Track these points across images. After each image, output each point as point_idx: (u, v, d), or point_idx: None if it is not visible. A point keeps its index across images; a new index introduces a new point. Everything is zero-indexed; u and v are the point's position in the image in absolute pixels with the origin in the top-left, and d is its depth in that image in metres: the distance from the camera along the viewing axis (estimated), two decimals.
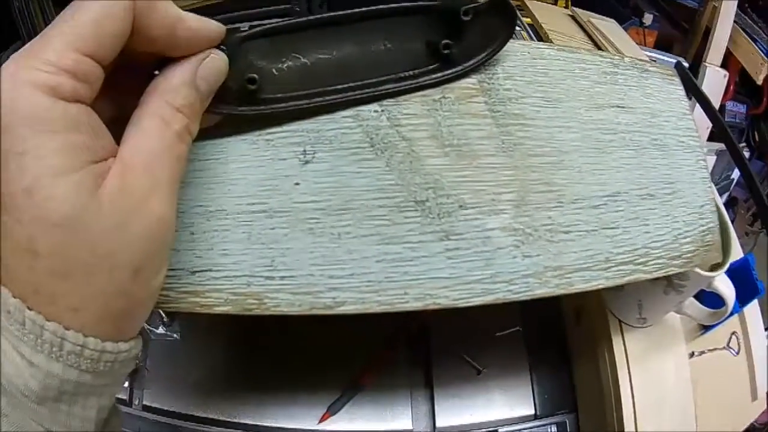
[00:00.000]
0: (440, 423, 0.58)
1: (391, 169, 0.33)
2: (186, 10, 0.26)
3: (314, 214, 0.32)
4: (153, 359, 0.61)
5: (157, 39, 0.25)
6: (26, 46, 0.22)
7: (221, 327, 0.64)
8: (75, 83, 0.22)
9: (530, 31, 0.73)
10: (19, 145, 0.21)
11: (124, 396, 0.59)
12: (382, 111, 0.34)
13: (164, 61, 0.26)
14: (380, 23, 0.33)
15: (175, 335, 0.62)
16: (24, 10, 0.74)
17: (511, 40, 0.35)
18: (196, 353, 0.62)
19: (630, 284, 0.48)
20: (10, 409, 0.22)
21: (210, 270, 0.31)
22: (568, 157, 0.36)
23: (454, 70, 0.34)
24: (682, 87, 0.42)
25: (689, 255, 0.37)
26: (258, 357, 0.62)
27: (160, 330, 0.62)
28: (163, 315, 0.61)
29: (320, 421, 0.58)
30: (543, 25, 0.73)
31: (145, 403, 0.59)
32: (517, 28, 0.73)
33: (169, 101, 0.25)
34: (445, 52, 0.33)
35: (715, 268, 0.42)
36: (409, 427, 0.58)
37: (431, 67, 0.34)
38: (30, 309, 0.22)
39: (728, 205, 1.09)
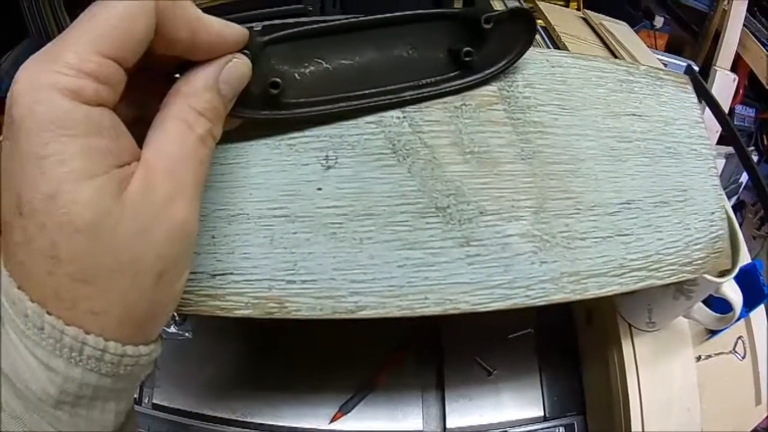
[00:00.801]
0: (450, 424, 0.58)
1: (413, 175, 0.33)
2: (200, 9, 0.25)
3: (336, 219, 0.32)
4: (164, 358, 0.61)
5: (180, 42, 0.24)
6: (45, 47, 0.22)
7: (233, 326, 0.64)
8: (97, 86, 0.22)
9: (543, 34, 0.73)
10: (40, 149, 0.20)
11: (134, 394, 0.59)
12: (404, 117, 0.34)
13: (186, 63, 0.26)
14: (402, 30, 0.33)
15: (186, 334, 0.62)
16: (33, 7, 0.74)
17: (530, 48, 0.35)
18: (207, 352, 0.62)
19: (641, 289, 0.48)
20: (26, 413, 0.22)
21: (231, 273, 0.31)
22: (585, 165, 0.36)
23: (474, 77, 0.35)
24: (695, 95, 0.42)
25: (700, 261, 0.38)
26: (269, 356, 0.62)
27: (172, 329, 0.62)
28: (176, 314, 0.61)
29: (332, 421, 0.58)
30: (555, 27, 0.73)
31: (155, 401, 0.59)
32: None
33: (192, 105, 0.25)
34: (466, 59, 0.33)
35: (723, 273, 0.42)
36: (420, 427, 0.59)
37: (452, 74, 0.35)
38: (49, 314, 0.21)
39: (736, 208, 1.08)
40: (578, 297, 0.34)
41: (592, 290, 0.34)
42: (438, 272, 0.32)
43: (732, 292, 0.47)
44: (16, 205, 0.21)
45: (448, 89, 0.34)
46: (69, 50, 0.21)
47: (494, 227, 0.33)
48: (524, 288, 0.33)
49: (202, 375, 0.61)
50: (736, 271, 0.42)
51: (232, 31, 0.26)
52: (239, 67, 0.27)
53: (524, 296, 0.33)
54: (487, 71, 0.35)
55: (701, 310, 0.51)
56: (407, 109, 0.34)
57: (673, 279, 0.37)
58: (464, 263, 0.33)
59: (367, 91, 0.33)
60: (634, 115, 0.38)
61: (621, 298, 0.54)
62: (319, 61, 0.32)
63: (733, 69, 0.97)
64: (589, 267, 0.35)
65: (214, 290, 0.31)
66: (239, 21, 0.28)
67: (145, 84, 0.26)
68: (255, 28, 0.30)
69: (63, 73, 0.21)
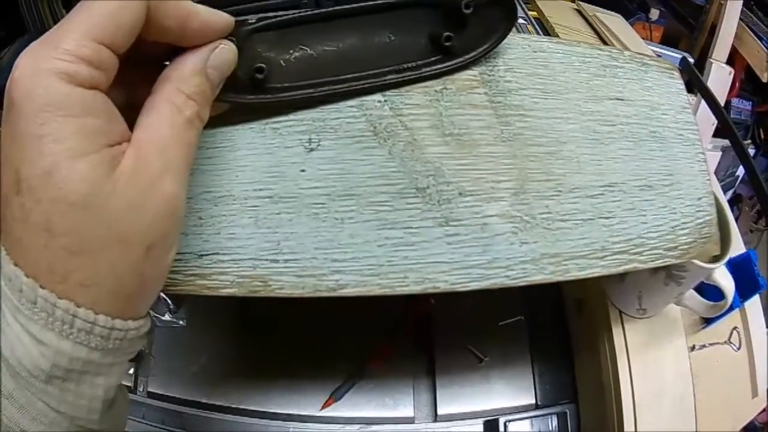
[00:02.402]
0: (441, 411, 0.59)
1: (393, 156, 0.34)
2: (196, 1, 0.27)
3: (319, 200, 0.33)
4: (158, 346, 0.62)
5: (170, 30, 0.26)
6: (45, 35, 0.23)
7: (227, 314, 0.65)
8: (92, 71, 0.23)
9: (536, 25, 0.74)
10: (37, 129, 0.22)
11: (128, 383, 0.60)
12: (386, 101, 0.35)
13: (176, 50, 0.27)
14: (385, 16, 0.34)
15: (180, 322, 0.63)
16: (31, 3, 0.75)
17: (512, 33, 0.36)
18: (201, 340, 0.63)
19: (630, 275, 0.48)
20: (17, 390, 0.23)
21: (217, 253, 0.32)
22: (567, 147, 0.36)
23: (455, 61, 0.35)
24: (681, 81, 0.42)
25: (686, 246, 0.38)
26: (262, 344, 0.63)
27: (166, 317, 0.62)
28: (170, 302, 0.62)
29: (323, 407, 0.59)
30: (549, 18, 0.74)
31: (150, 389, 0.60)
32: (524, 21, 0.74)
33: (181, 89, 0.26)
34: (447, 44, 0.34)
35: (715, 260, 0.42)
36: (411, 414, 0.59)
37: (433, 58, 0.35)
38: (42, 287, 0.22)
39: (733, 202, 1.08)
40: (559, 278, 0.34)
41: (573, 272, 0.35)
42: (417, 252, 0.33)
43: (724, 279, 0.47)
44: (15, 182, 0.22)
45: (428, 73, 0.35)
46: (66, 37, 0.23)
47: (473, 207, 0.34)
48: (504, 268, 0.34)
49: (196, 363, 0.62)
50: (727, 257, 0.42)
51: (219, 18, 0.28)
52: (226, 52, 0.28)
53: (504, 276, 0.33)
54: (468, 56, 0.35)
55: (693, 298, 0.51)
56: (388, 93, 0.35)
57: (657, 263, 0.37)
58: (443, 243, 0.33)
59: (349, 76, 0.34)
60: (617, 99, 0.39)
61: (611, 284, 0.54)
62: (304, 47, 0.33)
63: (730, 62, 0.97)
64: (570, 248, 0.35)
65: (200, 270, 0.32)
66: (236, 13, 0.29)
67: (136, 72, 0.27)
68: (250, 21, 0.31)
69: (60, 58, 0.22)
